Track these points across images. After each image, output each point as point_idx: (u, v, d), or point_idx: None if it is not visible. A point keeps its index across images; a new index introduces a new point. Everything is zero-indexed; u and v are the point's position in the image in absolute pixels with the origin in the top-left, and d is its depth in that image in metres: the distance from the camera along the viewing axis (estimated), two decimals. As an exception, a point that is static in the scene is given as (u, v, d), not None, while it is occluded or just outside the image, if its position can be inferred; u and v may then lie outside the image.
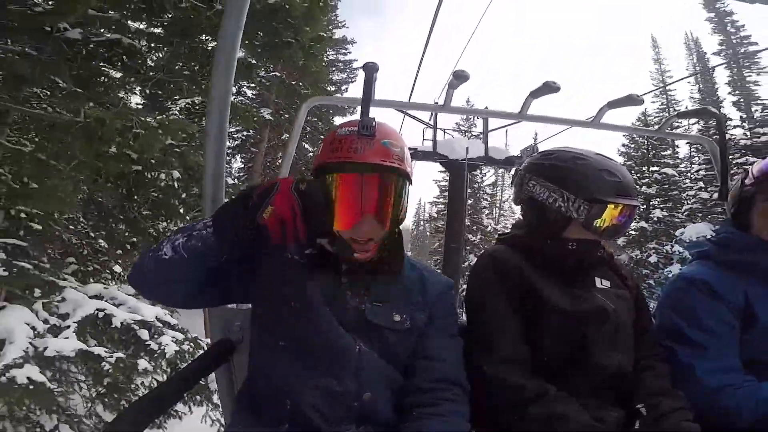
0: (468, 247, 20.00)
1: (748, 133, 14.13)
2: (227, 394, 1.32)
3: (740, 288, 1.19)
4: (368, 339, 1.02)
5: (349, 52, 18.48)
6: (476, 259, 1.28)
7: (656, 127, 1.73)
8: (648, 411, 1.06)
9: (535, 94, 1.47)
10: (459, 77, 1.36)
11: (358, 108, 1.15)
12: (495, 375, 1.08)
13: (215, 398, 4.93)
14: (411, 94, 4.88)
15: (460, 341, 1.13)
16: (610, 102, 1.54)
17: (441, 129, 7.57)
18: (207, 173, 1.19)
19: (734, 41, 21.84)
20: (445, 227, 7.60)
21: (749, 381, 1.10)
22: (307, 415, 0.95)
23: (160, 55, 5.64)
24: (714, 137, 1.79)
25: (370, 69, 1.15)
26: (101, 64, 4.52)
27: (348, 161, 0.98)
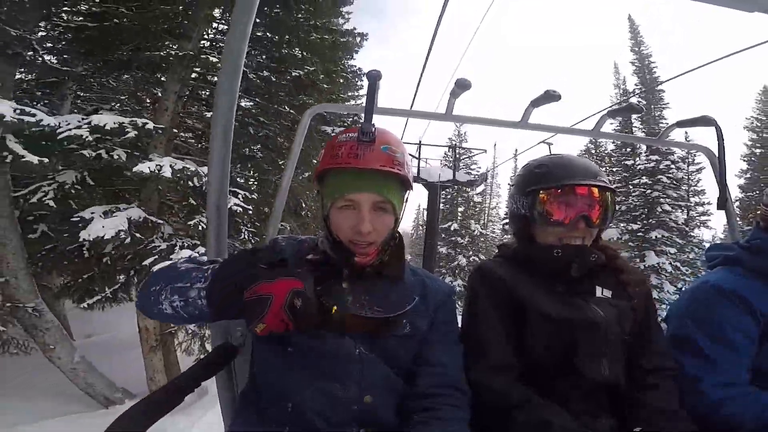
0: (457, 249, 22.99)
1: (650, 158, 18.65)
2: (228, 398, 1.32)
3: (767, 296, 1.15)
4: (369, 344, 1.02)
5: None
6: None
7: (656, 136, 1.73)
8: None
9: (536, 102, 1.46)
10: (461, 85, 1.35)
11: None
12: (481, 381, 1.08)
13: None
14: (413, 102, 4.93)
15: (461, 347, 1.14)
16: (609, 111, 1.54)
17: (423, 158, 11.81)
18: (211, 182, 1.19)
19: (648, 80, 24.88)
20: (426, 228, 10.13)
21: (751, 390, 1.09)
22: (309, 418, 0.95)
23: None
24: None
25: (374, 77, 1.16)
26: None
27: (348, 167, 1.00)
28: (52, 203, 5.72)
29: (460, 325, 1.21)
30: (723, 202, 1.59)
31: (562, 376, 1.10)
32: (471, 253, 23.03)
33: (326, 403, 0.96)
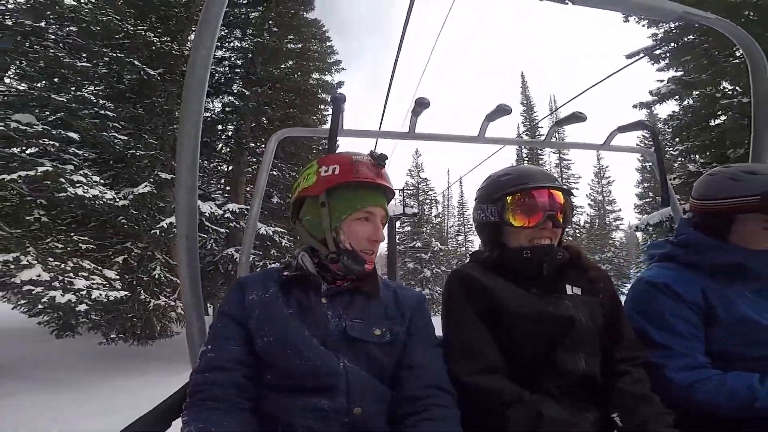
0: (423, 264, 24.42)
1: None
2: None
3: (698, 286, 1.09)
4: (353, 355, 0.91)
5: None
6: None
7: (601, 142, 1.67)
8: (624, 419, 0.93)
9: (491, 117, 1.38)
10: (421, 104, 1.26)
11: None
12: (472, 383, 0.97)
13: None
14: (381, 123, 4.81)
15: (440, 349, 1.03)
16: (557, 121, 1.49)
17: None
18: (180, 209, 1.03)
19: (532, 121, 28.58)
20: (388, 249, 11.46)
21: (716, 374, 1.00)
22: None
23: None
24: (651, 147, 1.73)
25: (338, 100, 1.08)
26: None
27: (371, 182, 0.99)
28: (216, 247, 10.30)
29: (440, 330, 1.10)
30: (666, 199, 1.58)
31: (542, 372, 0.99)
32: (434, 266, 24.03)
33: (316, 419, 0.83)
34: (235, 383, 0.86)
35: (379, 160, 1.00)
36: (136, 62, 7.93)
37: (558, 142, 1.65)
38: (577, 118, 1.41)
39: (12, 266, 5.76)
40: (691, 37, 9.00)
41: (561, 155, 29.30)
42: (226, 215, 9.63)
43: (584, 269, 1.13)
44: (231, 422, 0.80)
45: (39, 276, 5.97)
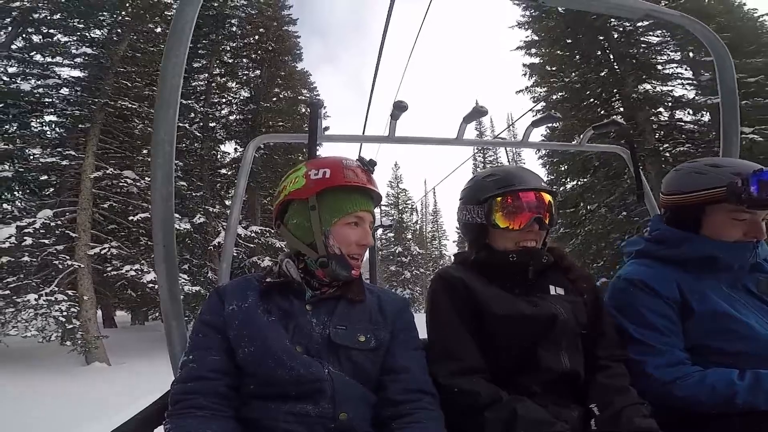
0: (403, 266, 21.62)
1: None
2: None
3: (673, 281, 0.86)
4: (337, 361, 0.71)
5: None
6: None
7: (576, 141, 1.34)
8: (601, 410, 0.74)
9: (468, 119, 1.08)
10: (399, 107, 0.99)
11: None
12: (451, 384, 0.77)
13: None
14: (364, 128, 4.03)
15: (423, 352, 0.81)
16: (533, 121, 1.17)
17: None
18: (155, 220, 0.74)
19: (483, 133, 26.78)
20: (369, 255, 12.49)
21: (696, 370, 0.79)
22: None
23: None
24: (624, 144, 1.38)
25: (315, 105, 0.85)
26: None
27: (361, 186, 0.77)
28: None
29: (424, 332, 0.87)
30: (641, 196, 1.26)
31: (524, 371, 0.79)
32: (413, 268, 22.30)
33: (302, 425, 0.65)
34: (218, 392, 0.67)
35: (368, 166, 0.80)
36: (186, 126, 9.25)
37: (535, 143, 1.31)
38: (551, 118, 1.12)
39: (140, 272, 7.54)
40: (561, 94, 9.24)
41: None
42: (251, 234, 10.53)
43: (567, 270, 0.90)
44: (214, 429, 0.63)
45: (155, 278, 7.71)
